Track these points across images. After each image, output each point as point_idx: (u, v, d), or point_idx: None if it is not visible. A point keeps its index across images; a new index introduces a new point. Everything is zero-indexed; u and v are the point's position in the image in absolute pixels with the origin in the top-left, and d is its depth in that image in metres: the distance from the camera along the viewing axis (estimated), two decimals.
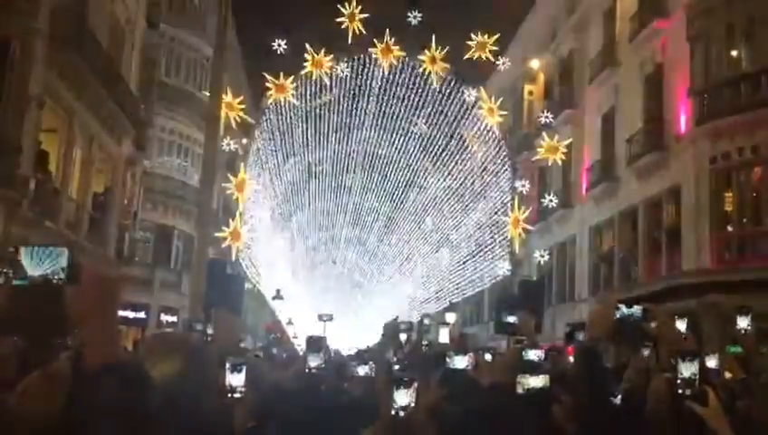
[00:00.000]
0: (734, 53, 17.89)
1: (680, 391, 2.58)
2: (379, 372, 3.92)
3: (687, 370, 2.60)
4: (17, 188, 14.10)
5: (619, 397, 3.46)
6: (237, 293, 16.44)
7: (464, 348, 4.52)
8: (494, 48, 24.60)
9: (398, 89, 29.26)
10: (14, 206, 14.18)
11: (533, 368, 3.33)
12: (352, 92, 28.38)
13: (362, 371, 4.01)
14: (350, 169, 39.96)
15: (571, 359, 5.29)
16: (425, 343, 6.52)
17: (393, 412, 2.41)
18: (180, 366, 2.11)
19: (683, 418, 2.55)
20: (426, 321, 9.26)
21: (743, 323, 4.24)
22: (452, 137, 32.42)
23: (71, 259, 1.42)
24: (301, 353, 6.35)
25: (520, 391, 3.19)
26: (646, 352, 4.07)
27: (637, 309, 3.11)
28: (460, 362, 3.98)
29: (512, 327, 5.15)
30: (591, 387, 3.19)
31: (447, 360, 4.04)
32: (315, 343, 3.99)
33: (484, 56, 24.21)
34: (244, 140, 29.76)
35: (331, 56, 24.87)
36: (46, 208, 15.84)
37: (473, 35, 24.26)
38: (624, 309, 3.11)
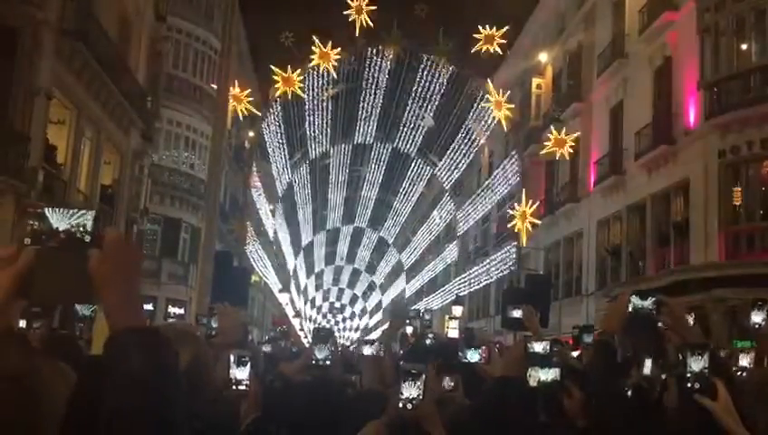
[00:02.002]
0: (743, 46, 17.78)
1: (689, 385, 2.55)
2: (387, 363, 3.90)
3: (697, 364, 2.57)
4: (26, 179, 14.14)
5: (629, 392, 3.44)
6: (243, 285, 16.49)
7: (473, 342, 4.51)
8: (502, 41, 24.59)
9: (406, 82, 29.28)
10: (23, 197, 14.22)
11: (543, 361, 3.31)
12: (359, 85, 28.41)
13: (368, 350, 3.99)
14: (357, 162, 40.01)
15: (574, 353, 5.27)
16: (430, 335, 6.50)
17: (400, 405, 2.40)
18: (185, 356, 2.11)
19: (692, 412, 2.52)
20: (426, 316, 9.27)
21: (757, 317, 4.18)
22: (459, 130, 32.44)
23: (95, 223, 1.41)
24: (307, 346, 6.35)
25: (533, 383, 3.17)
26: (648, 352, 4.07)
27: (650, 301, 3.05)
28: (473, 355, 3.95)
29: (518, 322, 5.11)
30: (606, 381, 3.18)
31: (459, 353, 4.03)
32: (322, 335, 3.98)
33: (492, 49, 24.19)
34: (251, 133, 29.82)
35: (338, 49, 24.89)
36: (54, 200, 15.88)
37: (480, 28, 24.22)
38: (637, 300, 3.06)
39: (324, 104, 29.83)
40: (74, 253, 1.32)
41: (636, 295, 3.06)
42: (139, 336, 1.28)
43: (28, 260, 1.33)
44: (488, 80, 26.50)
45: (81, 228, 1.37)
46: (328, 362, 3.95)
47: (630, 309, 3.04)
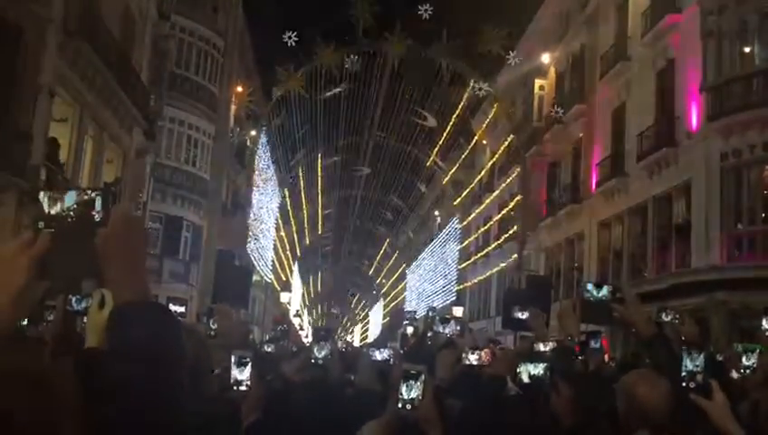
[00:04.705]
0: (746, 49, 17.76)
1: (684, 385, 2.55)
2: (396, 363, 3.90)
3: (692, 363, 2.57)
4: (28, 176, 14.17)
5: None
6: (244, 284, 16.47)
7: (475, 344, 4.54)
8: (506, 42, 24.56)
9: (408, 82, 29.29)
10: (25, 194, 14.25)
11: (533, 356, 3.34)
12: (362, 85, 28.41)
13: (380, 355, 4.00)
14: (360, 162, 40.02)
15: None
16: (430, 334, 6.47)
17: (400, 405, 2.40)
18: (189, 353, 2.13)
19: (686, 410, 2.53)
20: (430, 313, 9.27)
21: None
22: (461, 131, 32.41)
23: (104, 202, 1.45)
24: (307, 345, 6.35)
25: (525, 379, 3.19)
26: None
27: (606, 289, 3.07)
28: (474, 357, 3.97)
29: (521, 323, 5.15)
30: (574, 386, 3.21)
31: (462, 356, 4.04)
32: (322, 334, 4.00)
33: (494, 50, 24.16)
34: (254, 132, 29.85)
35: (341, 49, 24.90)
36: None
37: (484, 29, 24.20)
38: (592, 289, 3.08)
39: (327, 104, 29.85)
40: (85, 232, 1.38)
41: (592, 285, 3.10)
42: (140, 310, 1.32)
43: (45, 243, 1.38)
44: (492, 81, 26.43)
45: (90, 208, 1.42)
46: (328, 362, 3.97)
47: (586, 297, 3.07)
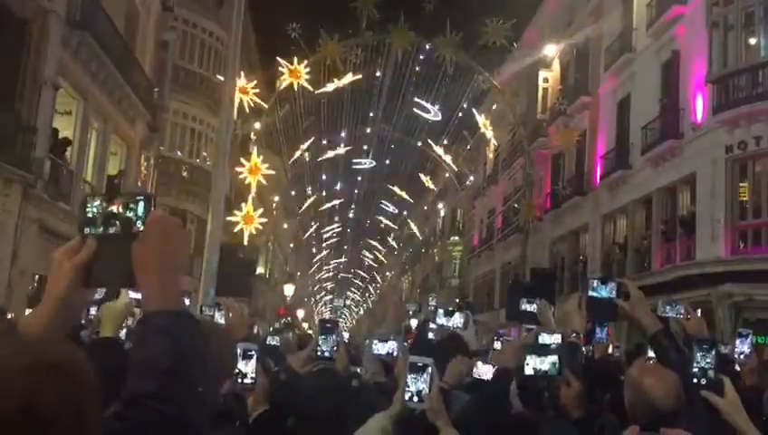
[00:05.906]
0: (752, 40, 17.68)
1: (695, 381, 2.52)
2: (400, 356, 3.89)
3: (703, 358, 2.55)
4: (32, 169, 14.18)
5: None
6: (248, 277, 16.48)
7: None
8: (510, 34, 24.43)
9: (412, 75, 29.21)
10: (29, 187, 14.26)
11: (541, 349, 3.32)
12: (365, 77, 28.31)
13: (383, 348, 3.98)
14: (363, 154, 39.94)
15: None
16: (434, 326, 6.48)
17: (407, 397, 2.39)
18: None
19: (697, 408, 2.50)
20: (432, 302, 9.26)
21: None
22: (465, 123, 32.29)
23: (147, 207, 1.41)
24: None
25: (529, 372, 3.17)
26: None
27: (611, 285, 3.05)
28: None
29: (527, 315, 5.10)
30: (581, 378, 3.20)
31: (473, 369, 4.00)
32: (328, 327, 3.99)
33: (499, 42, 24.03)
34: (257, 124, 29.80)
35: (345, 41, 24.81)
36: (61, 190, 15.92)
37: (488, 21, 24.07)
38: (597, 286, 3.06)
39: (331, 96, 29.77)
40: (127, 238, 1.35)
41: (597, 281, 3.07)
42: (167, 320, 1.27)
43: (90, 250, 1.36)
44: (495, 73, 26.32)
45: (132, 213, 1.39)
46: (334, 354, 3.96)
47: (590, 295, 3.06)
